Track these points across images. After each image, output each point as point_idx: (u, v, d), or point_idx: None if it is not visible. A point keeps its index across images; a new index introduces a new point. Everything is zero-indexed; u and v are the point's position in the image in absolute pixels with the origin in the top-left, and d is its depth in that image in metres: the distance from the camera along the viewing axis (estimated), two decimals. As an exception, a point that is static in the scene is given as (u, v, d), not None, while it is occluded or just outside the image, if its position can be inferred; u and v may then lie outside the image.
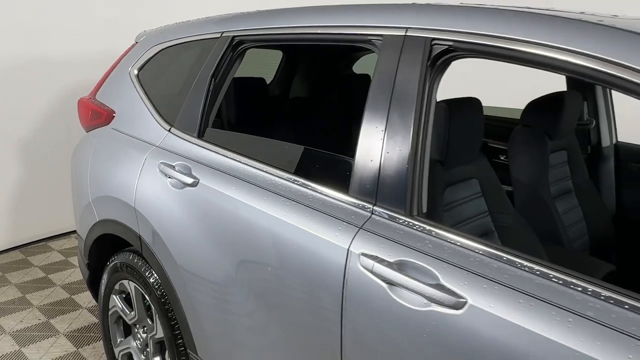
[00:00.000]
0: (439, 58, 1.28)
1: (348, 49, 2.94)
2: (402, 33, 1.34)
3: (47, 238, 3.85)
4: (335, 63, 3.10)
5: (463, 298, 1.05)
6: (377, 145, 1.31)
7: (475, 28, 1.22)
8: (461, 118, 1.55)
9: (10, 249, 3.67)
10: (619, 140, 2.44)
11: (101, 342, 2.48)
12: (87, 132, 2.40)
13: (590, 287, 0.96)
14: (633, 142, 2.41)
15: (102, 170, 2.15)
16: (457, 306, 1.05)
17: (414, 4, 1.41)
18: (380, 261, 1.18)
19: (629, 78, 0.97)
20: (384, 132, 1.31)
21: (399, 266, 1.16)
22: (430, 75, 1.28)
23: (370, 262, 1.20)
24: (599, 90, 2.40)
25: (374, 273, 1.19)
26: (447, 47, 1.26)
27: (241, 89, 2.21)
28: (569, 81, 2.34)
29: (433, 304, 1.09)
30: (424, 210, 1.27)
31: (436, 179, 1.52)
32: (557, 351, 0.93)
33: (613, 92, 2.36)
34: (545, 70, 1.11)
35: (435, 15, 1.31)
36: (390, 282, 1.16)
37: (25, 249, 3.71)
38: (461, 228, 1.59)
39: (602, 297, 0.94)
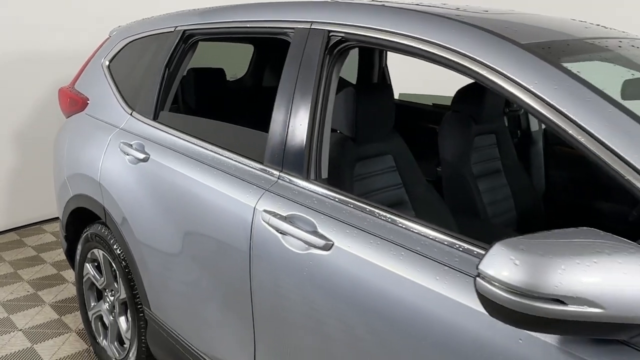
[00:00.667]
0: (336, 47, 1.51)
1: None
2: (307, 26, 1.58)
3: (41, 221, 4.14)
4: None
5: (331, 241, 1.29)
6: (285, 121, 1.55)
7: (362, 22, 1.45)
8: (369, 101, 1.78)
9: (6, 230, 3.96)
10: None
11: (79, 308, 2.73)
12: (67, 118, 2.67)
13: (423, 229, 1.19)
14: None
15: (76, 151, 2.42)
16: (326, 248, 1.29)
17: (318, 1, 1.64)
18: (275, 215, 1.43)
19: (454, 59, 1.20)
20: (289, 109, 1.54)
21: (289, 219, 1.40)
22: (329, 61, 1.52)
23: (268, 217, 1.44)
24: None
25: (270, 225, 1.43)
26: (341, 37, 1.49)
27: (195, 77, 2.46)
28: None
29: (310, 247, 1.32)
30: (324, 176, 1.50)
31: (347, 153, 1.76)
32: (395, 279, 1.16)
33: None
34: (406, 55, 1.34)
35: (333, 11, 1.55)
36: (282, 232, 1.40)
37: (21, 231, 4.00)
38: (373, 197, 1.83)
39: (431, 237, 1.17)
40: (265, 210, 1.46)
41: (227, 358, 1.70)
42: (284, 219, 1.41)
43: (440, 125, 2.35)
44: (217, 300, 1.69)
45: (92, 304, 2.51)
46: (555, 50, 1.22)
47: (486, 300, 0.86)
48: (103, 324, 2.45)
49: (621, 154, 0.94)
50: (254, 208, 1.50)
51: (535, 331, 0.91)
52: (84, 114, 2.49)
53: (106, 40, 2.62)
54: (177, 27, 2.13)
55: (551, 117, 1.04)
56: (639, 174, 0.92)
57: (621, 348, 0.87)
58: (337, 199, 1.38)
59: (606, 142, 0.96)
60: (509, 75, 1.12)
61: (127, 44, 2.43)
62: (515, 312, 0.82)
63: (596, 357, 0.88)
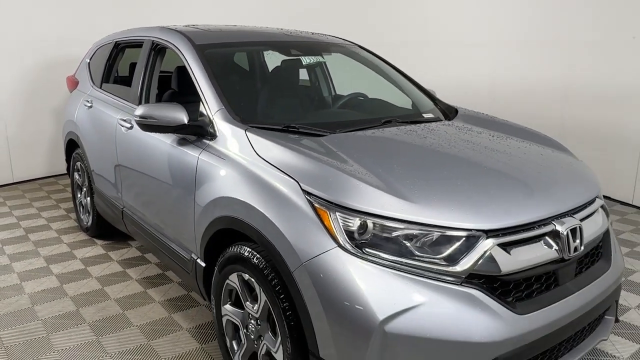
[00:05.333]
0: (156, 48, 3.35)
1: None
2: (148, 38, 3.42)
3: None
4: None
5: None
6: (137, 84, 3.40)
7: (161, 36, 3.28)
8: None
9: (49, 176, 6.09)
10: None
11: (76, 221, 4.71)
12: (70, 93, 4.68)
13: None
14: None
15: (68, 108, 4.41)
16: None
17: (150, 27, 3.50)
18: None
19: (164, 44, 3.03)
20: (141, 73, 3.39)
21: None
22: (154, 54, 3.35)
23: (123, 122, 3.29)
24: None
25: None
26: (157, 44, 3.33)
27: (119, 66, 4.38)
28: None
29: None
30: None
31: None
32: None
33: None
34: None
35: (155, 31, 3.38)
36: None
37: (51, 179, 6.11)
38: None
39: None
40: (121, 119, 3.32)
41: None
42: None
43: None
44: (170, 213, 3.57)
45: (79, 195, 4.47)
46: (208, 46, 2.96)
47: (138, 123, 2.64)
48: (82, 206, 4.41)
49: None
50: (118, 118, 3.37)
51: (147, 130, 2.69)
52: (77, 90, 4.48)
53: (91, 48, 4.62)
54: (114, 40, 4.06)
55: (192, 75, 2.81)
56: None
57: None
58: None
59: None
60: (184, 55, 2.92)
61: (98, 49, 4.40)
62: (140, 124, 2.61)
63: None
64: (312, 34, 3.66)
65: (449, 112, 3.16)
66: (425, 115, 2.98)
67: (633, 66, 4.98)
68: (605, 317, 2.42)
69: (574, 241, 2.00)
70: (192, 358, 2.64)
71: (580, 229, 2.04)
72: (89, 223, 4.23)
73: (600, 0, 5.22)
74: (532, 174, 2.23)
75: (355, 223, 1.83)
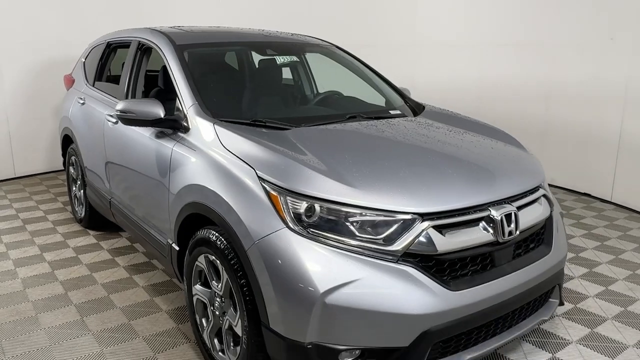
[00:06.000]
0: (142, 48, 3.56)
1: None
2: (135, 39, 3.63)
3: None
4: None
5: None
6: (125, 81, 3.61)
7: (144, 36, 3.49)
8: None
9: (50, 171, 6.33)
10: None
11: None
12: (67, 91, 4.90)
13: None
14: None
15: (64, 105, 4.63)
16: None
17: (138, 29, 3.71)
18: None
19: (147, 44, 3.24)
20: (128, 74, 3.60)
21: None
22: (140, 53, 3.55)
23: (110, 118, 3.50)
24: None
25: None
26: (143, 44, 3.54)
27: (112, 66, 4.59)
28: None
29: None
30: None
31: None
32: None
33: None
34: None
35: (142, 32, 3.59)
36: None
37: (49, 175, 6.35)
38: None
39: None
40: (108, 114, 3.54)
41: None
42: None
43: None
44: (150, 201, 3.79)
45: (74, 188, 4.70)
46: (188, 46, 3.17)
47: (118, 117, 2.85)
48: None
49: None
50: (106, 114, 3.58)
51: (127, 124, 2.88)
52: (72, 88, 4.71)
53: (87, 48, 4.84)
54: (106, 40, 4.28)
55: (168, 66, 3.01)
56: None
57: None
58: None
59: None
60: (164, 55, 3.12)
61: (92, 49, 4.62)
62: (121, 118, 2.81)
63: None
64: (292, 34, 3.85)
65: (417, 109, 3.34)
66: (392, 112, 3.16)
67: (611, 67, 5.13)
68: (550, 299, 2.59)
69: (509, 226, 2.17)
70: (168, 336, 2.84)
71: (516, 215, 2.22)
72: (83, 214, 4.44)
73: (581, 4, 5.37)
74: (476, 164, 2.41)
75: (302, 206, 2.02)
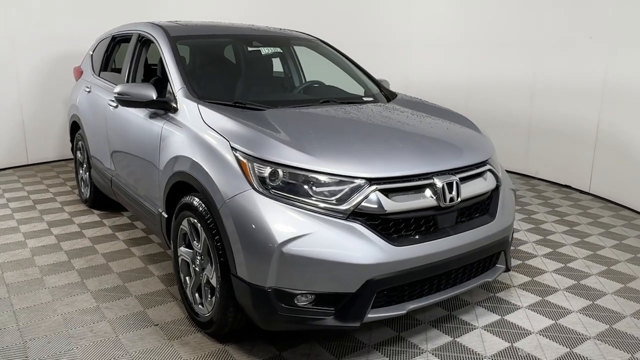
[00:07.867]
0: (142, 40, 3.91)
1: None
2: (135, 32, 3.99)
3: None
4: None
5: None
6: (125, 71, 3.96)
7: (144, 30, 3.84)
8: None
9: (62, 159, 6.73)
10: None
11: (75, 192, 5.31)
12: (76, 81, 5.28)
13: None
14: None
15: (72, 94, 5.01)
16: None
17: (139, 23, 4.06)
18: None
19: (145, 36, 3.59)
20: (128, 64, 3.95)
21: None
22: (140, 45, 3.91)
23: (112, 103, 3.86)
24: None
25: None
26: (143, 37, 3.89)
27: (116, 58, 4.96)
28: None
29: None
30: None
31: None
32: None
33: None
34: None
35: (142, 26, 3.94)
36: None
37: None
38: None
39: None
40: (110, 99, 3.89)
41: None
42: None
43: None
44: (145, 179, 4.15)
45: (80, 171, 5.07)
46: (180, 38, 3.51)
47: (116, 98, 3.19)
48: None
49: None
50: (108, 99, 3.94)
51: (123, 105, 3.24)
52: (81, 79, 5.08)
53: (94, 41, 5.22)
54: (112, 34, 4.65)
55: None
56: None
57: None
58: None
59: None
60: (160, 45, 3.46)
61: (99, 42, 4.99)
62: (118, 99, 3.16)
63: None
64: (280, 29, 4.18)
65: (391, 97, 3.65)
66: (365, 99, 3.47)
67: (590, 64, 5.39)
68: (497, 265, 2.88)
69: (450, 193, 2.48)
70: (157, 295, 3.17)
71: (457, 184, 2.52)
72: (88, 195, 4.81)
73: (562, 4, 5.64)
74: (427, 140, 2.72)
75: (266, 171, 2.35)
